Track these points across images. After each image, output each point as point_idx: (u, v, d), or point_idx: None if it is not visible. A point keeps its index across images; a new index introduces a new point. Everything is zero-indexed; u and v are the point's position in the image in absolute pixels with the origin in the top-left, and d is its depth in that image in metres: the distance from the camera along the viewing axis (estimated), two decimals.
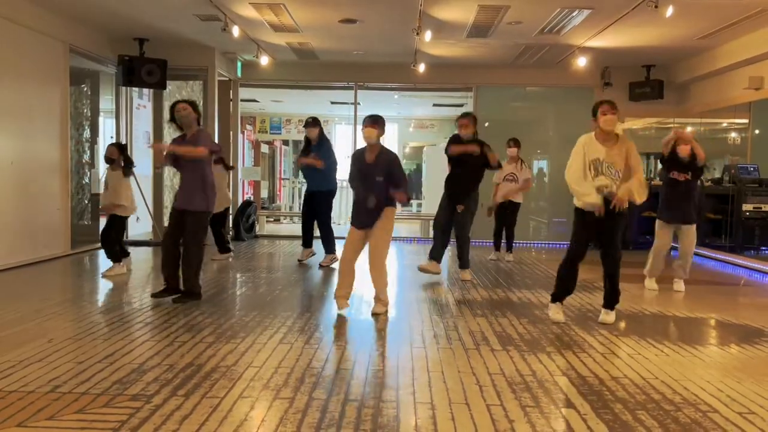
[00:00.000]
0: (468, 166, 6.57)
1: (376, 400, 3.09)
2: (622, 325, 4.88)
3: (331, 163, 7.44)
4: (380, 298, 5.11)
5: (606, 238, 4.80)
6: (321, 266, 7.47)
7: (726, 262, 8.57)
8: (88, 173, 9.83)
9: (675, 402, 3.15)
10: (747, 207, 8.83)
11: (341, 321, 4.96)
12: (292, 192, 16.34)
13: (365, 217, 5.04)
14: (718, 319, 5.24)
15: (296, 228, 13.02)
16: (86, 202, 9.81)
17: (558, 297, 5.00)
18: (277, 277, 6.85)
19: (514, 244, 8.64)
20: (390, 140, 17.74)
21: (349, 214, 5.52)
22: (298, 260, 7.85)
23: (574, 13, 7.35)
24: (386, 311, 5.10)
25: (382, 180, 4.96)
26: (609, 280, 4.88)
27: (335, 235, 7.58)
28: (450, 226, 6.76)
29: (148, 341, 4.09)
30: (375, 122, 5.04)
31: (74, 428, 2.69)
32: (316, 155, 7.33)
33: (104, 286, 6.51)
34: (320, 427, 2.74)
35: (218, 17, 7.64)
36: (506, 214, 8.38)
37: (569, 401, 3.13)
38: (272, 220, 14.71)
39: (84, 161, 9.78)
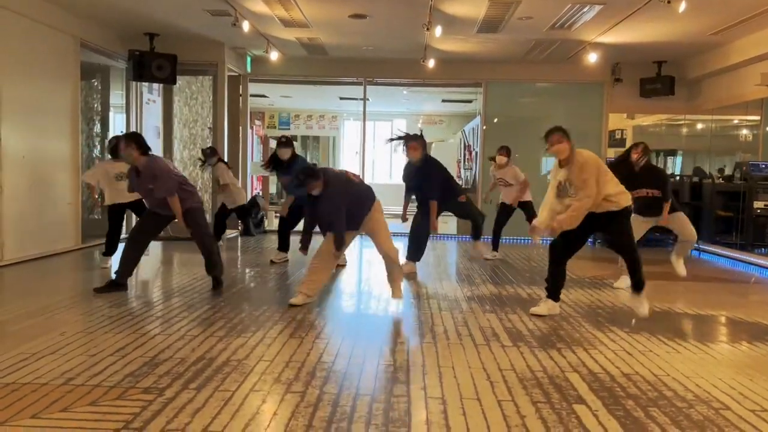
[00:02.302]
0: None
1: (387, 395, 3.09)
2: (633, 321, 4.86)
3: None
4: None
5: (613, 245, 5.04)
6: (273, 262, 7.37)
7: (737, 260, 8.52)
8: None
9: (687, 399, 3.14)
10: (758, 204, 8.78)
11: (351, 316, 4.96)
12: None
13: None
14: (729, 316, 5.22)
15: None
16: (96, 196, 9.85)
17: (550, 294, 5.01)
18: (286, 271, 6.86)
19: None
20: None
21: None
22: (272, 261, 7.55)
23: (585, 9, 7.31)
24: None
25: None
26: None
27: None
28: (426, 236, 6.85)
29: (159, 335, 4.11)
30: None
31: (87, 420, 2.71)
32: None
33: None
34: (332, 421, 2.75)
35: (228, 12, 7.65)
36: (509, 215, 8.20)
37: (580, 397, 3.13)
38: (278, 215, 14.72)
39: (94, 156, 9.82)
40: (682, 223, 6.19)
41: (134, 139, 5.35)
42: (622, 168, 5.68)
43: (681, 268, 6.38)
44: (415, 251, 6.86)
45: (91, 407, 2.85)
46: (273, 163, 7.22)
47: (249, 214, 8.54)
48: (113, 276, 5.58)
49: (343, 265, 7.20)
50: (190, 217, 5.49)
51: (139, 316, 4.62)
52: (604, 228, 4.84)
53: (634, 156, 5.88)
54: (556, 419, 2.84)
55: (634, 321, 4.83)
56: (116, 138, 6.98)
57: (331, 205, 4.85)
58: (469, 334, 4.33)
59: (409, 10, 7.52)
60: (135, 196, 6.42)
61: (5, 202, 6.81)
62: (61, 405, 2.86)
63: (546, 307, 4.97)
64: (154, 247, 8.74)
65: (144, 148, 5.33)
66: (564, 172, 4.69)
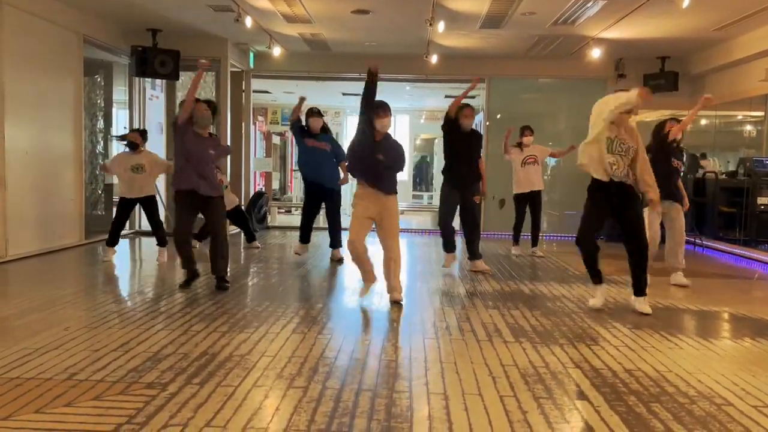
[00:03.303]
0: (465, 152, 6.58)
1: (389, 390, 3.10)
2: (635, 318, 4.86)
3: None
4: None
5: (626, 227, 4.95)
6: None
7: (740, 256, 8.51)
8: (102, 163, 9.89)
9: (689, 395, 3.14)
10: (762, 200, 8.76)
11: (354, 311, 4.97)
12: (303, 183, 16.34)
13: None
14: (731, 312, 5.21)
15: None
16: (100, 192, 9.88)
17: (592, 279, 5.09)
18: (289, 267, 6.87)
19: (541, 237, 8.44)
20: (401, 132, 17.74)
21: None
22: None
23: (589, 4, 7.29)
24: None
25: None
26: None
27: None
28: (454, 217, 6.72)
29: (163, 330, 4.12)
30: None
31: (91, 415, 2.72)
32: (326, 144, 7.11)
33: (118, 276, 6.57)
34: (334, 416, 2.76)
35: (231, 8, 7.64)
36: (532, 204, 8.04)
37: (582, 393, 3.13)
38: (284, 211, 14.74)
39: (98, 152, 9.83)
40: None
41: (214, 106, 5.59)
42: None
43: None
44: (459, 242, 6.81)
45: (95, 402, 2.86)
46: (299, 129, 7.13)
47: (244, 219, 8.45)
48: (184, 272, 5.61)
49: (341, 260, 7.22)
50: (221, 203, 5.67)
51: (142, 312, 4.63)
52: (622, 210, 4.84)
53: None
54: (558, 415, 2.85)
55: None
56: (136, 131, 7.19)
57: (394, 149, 5.05)
58: (471, 329, 4.34)
59: (412, 6, 7.50)
60: (147, 192, 6.83)
61: (9, 197, 6.82)
62: (64, 400, 2.87)
63: (600, 296, 5.05)
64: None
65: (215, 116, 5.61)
66: (616, 129, 4.76)
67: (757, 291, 6.45)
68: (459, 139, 6.55)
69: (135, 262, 7.52)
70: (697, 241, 9.02)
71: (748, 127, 10.74)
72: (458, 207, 6.66)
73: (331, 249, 7.36)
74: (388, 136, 5.11)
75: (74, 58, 8.09)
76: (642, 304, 4.96)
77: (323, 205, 7.36)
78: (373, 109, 4.96)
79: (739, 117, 10.80)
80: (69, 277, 6.36)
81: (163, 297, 5.20)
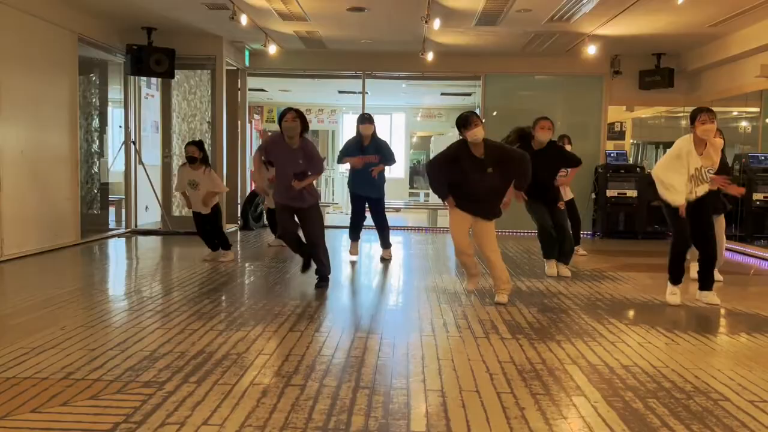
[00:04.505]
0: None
1: (386, 388, 3.10)
2: (632, 314, 4.87)
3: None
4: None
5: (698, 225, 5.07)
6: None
7: (736, 252, 8.53)
8: (98, 163, 9.88)
9: (686, 390, 3.15)
10: (758, 196, 8.78)
11: (351, 309, 4.97)
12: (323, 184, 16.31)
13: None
14: (727, 308, 5.22)
15: None
16: (95, 191, 9.86)
17: (673, 280, 5.20)
18: (286, 265, 6.87)
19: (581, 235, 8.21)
20: (397, 129, 17.71)
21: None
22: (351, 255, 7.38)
23: (584, 1, 7.29)
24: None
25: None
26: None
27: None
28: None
29: (159, 329, 4.12)
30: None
31: (88, 414, 2.71)
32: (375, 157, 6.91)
33: (114, 275, 6.56)
34: (332, 414, 2.76)
35: (226, 6, 7.62)
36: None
37: (579, 389, 3.14)
38: None
39: (93, 151, 9.82)
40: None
41: (301, 116, 5.34)
42: None
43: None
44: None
45: (92, 401, 2.85)
46: (358, 146, 6.93)
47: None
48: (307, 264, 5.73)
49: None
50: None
51: (139, 310, 4.63)
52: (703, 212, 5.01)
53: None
54: (556, 411, 2.85)
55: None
56: (192, 142, 6.89)
57: (498, 149, 4.98)
58: (469, 326, 4.34)
59: (408, 3, 7.50)
60: (202, 209, 6.76)
61: (4, 197, 6.80)
62: (61, 399, 2.87)
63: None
64: (154, 241, 8.75)
65: (306, 127, 5.42)
66: (699, 159, 4.88)
67: (752, 286, 6.47)
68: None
69: (131, 261, 7.50)
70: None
71: (744, 123, 10.75)
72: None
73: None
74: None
75: (69, 56, 8.06)
76: (709, 296, 5.19)
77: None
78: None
79: (735, 113, 10.82)
80: (65, 277, 6.34)
81: (159, 296, 5.20)
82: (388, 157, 7.01)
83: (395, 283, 5.94)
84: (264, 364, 3.43)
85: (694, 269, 6.21)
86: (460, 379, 3.24)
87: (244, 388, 3.04)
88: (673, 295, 5.19)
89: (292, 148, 5.32)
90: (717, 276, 6.13)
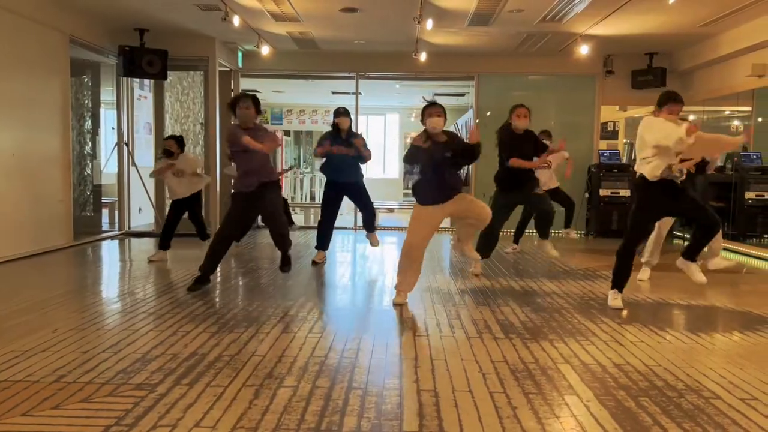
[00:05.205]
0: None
1: (379, 388, 3.10)
2: (625, 312, 4.88)
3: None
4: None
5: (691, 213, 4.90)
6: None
7: (728, 250, 8.56)
8: (90, 164, 9.84)
9: (678, 388, 3.16)
10: (750, 195, 8.83)
11: (344, 310, 4.97)
12: (293, 182, 16.34)
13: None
14: (720, 306, 5.24)
15: (298, 219, 13.03)
16: (88, 193, 9.83)
17: (617, 284, 5.04)
18: (276, 267, 6.84)
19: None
20: (391, 130, 17.73)
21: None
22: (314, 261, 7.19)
23: (576, 1, 7.31)
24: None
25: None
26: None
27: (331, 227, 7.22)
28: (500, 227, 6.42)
29: (152, 331, 4.10)
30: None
31: (79, 417, 2.70)
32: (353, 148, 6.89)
33: (107, 277, 6.54)
34: (324, 415, 2.75)
35: (218, 7, 7.61)
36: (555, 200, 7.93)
37: (572, 388, 3.14)
38: None
39: (86, 153, 9.78)
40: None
41: (255, 101, 5.54)
42: None
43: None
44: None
45: (83, 404, 2.84)
46: (333, 135, 6.91)
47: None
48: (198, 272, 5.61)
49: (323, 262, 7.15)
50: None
51: (131, 313, 4.61)
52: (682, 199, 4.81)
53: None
54: (548, 410, 2.86)
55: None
56: (171, 137, 7.16)
57: (455, 136, 5.03)
58: (462, 327, 4.34)
59: (400, 4, 7.50)
60: (192, 189, 7.02)
61: None
62: (52, 402, 2.86)
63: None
64: (148, 244, 8.72)
65: (258, 111, 5.60)
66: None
67: (744, 285, 6.50)
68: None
69: (124, 263, 7.47)
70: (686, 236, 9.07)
71: (736, 122, 10.80)
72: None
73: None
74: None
75: (61, 58, 8.03)
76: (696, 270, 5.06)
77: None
78: None
79: (727, 112, 10.87)
80: (58, 279, 6.31)
81: (152, 297, 5.18)
82: (366, 156, 6.95)
83: (388, 284, 5.93)
84: (257, 365, 3.42)
85: (644, 273, 6.22)
86: (452, 379, 3.24)
87: (237, 390, 3.04)
88: (615, 299, 5.02)
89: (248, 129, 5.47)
90: (644, 276, 6.22)
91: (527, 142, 6.15)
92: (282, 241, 5.86)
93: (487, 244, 6.29)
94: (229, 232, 5.61)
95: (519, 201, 6.47)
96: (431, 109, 4.90)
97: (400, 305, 4.94)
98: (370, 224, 7.33)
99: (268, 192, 5.56)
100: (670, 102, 4.76)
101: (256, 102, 5.53)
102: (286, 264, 5.95)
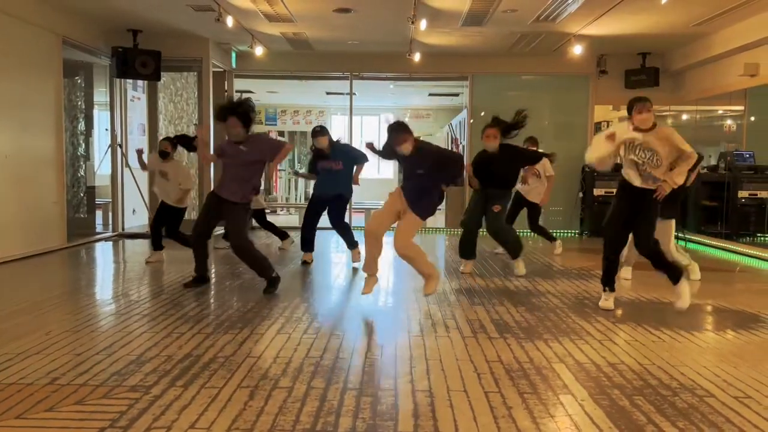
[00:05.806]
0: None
1: (374, 389, 3.10)
2: (619, 312, 4.89)
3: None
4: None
5: (639, 227, 4.83)
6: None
7: (722, 249, 8.60)
8: (84, 166, 9.82)
9: (672, 387, 3.17)
10: (743, 194, 8.87)
11: (339, 311, 4.97)
12: (288, 184, 16.33)
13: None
14: (714, 305, 5.27)
15: (292, 219, 13.01)
16: (82, 195, 9.80)
17: (607, 283, 5.01)
18: (274, 267, 6.83)
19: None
20: (386, 130, 17.69)
21: None
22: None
23: (569, 1, 7.33)
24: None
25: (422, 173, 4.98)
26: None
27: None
28: (479, 227, 6.50)
29: (146, 332, 4.09)
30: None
31: (73, 419, 2.69)
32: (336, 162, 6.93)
33: (101, 279, 6.51)
34: (319, 416, 2.75)
35: (212, 7, 7.60)
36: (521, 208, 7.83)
37: (566, 387, 3.15)
38: (268, 211, 14.67)
39: (79, 154, 9.75)
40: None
41: (244, 118, 5.35)
42: None
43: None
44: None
45: (77, 406, 2.83)
46: (316, 157, 7.03)
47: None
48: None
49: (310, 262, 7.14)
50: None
51: (125, 314, 4.60)
52: (647, 209, 4.74)
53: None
54: (543, 409, 2.86)
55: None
56: (167, 139, 7.18)
57: (431, 156, 4.97)
58: (457, 326, 4.35)
59: (394, 4, 7.50)
60: (175, 202, 6.98)
61: None
62: (46, 405, 2.84)
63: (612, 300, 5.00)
64: (142, 245, 8.69)
65: (249, 125, 5.45)
66: (641, 136, 4.75)
67: (738, 283, 6.53)
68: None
69: (118, 265, 7.45)
70: (679, 234, 9.10)
71: (729, 122, 10.85)
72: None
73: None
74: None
75: (53, 59, 8.00)
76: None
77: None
78: None
79: (720, 111, 10.91)
80: (52, 281, 6.29)
81: (146, 299, 5.17)
82: (359, 158, 6.99)
83: (383, 284, 5.93)
84: (252, 366, 3.42)
85: (626, 272, 6.21)
86: (447, 379, 3.24)
87: (232, 391, 3.03)
88: (606, 300, 4.99)
89: (239, 141, 5.44)
90: (626, 275, 6.15)
91: (498, 161, 6.19)
92: (249, 263, 5.50)
93: (462, 244, 6.56)
94: (201, 230, 5.59)
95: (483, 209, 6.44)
96: (397, 136, 4.95)
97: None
98: (347, 242, 7.27)
99: (226, 207, 5.40)
100: (634, 105, 4.79)
101: (244, 118, 5.33)
102: (268, 286, 5.43)
